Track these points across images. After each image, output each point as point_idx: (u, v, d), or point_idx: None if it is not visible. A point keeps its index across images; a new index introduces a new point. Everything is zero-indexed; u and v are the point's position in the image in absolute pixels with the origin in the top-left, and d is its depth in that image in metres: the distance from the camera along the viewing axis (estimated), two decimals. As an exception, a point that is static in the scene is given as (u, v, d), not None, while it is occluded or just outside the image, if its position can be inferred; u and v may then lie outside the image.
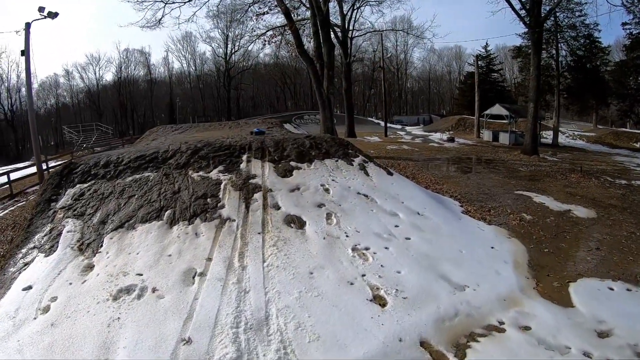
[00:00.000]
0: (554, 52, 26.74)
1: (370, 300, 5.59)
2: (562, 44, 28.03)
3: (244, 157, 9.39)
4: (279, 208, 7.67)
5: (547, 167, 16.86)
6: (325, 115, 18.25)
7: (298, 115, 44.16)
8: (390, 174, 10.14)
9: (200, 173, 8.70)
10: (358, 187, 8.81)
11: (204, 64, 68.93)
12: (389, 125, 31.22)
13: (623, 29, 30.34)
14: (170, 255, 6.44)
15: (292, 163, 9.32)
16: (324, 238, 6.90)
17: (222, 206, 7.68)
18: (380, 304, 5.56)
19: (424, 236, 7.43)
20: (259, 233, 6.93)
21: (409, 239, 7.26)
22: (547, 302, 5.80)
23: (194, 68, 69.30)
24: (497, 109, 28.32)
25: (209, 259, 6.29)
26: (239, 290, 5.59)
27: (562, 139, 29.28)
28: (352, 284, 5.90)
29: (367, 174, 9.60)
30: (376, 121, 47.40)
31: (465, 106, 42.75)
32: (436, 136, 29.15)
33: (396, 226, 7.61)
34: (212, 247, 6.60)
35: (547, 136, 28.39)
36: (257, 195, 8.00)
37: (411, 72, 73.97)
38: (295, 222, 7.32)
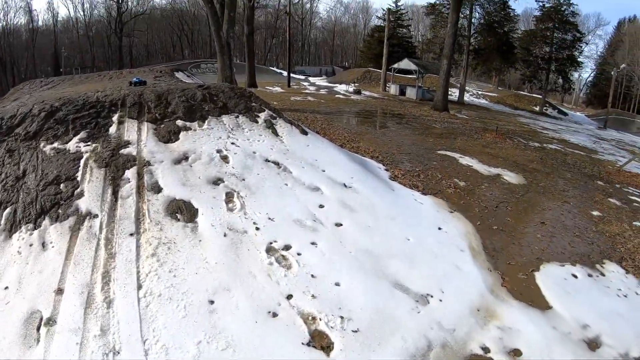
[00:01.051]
0: (467, 12, 26.35)
1: (308, 344, 3.74)
2: (476, 6, 27.82)
3: (115, 118, 6.49)
4: (159, 190, 5.34)
5: (459, 124, 16.71)
6: (223, 62, 15.07)
7: (195, 64, 37.65)
8: (305, 132, 8.18)
9: (56, 144, 5.77)
10: (266, 151, 6.77)
11: (94, 9, 57.66)
12: (292, 75, 28.53)
13: (536, 0, 31.51)
14: (6, 289, 4.09)
15: (179, 122, 6.75)
16: (225, 235, 4.88)
17: (81, 194, 5.10)
18: (323, 348, 3.74)
19: (359, 219, 5.80)
20: (131, 234, 4.67)
21: (341, 225, 5.57)
22: (523, 306, 4.83)
23: (82, 13, 57.64)
24: (406, 64, 27.46)
25: (60, 291, 4.03)
26: (105, 350, 3.45)
27: (466, 97, 29.99)
28: (275, 315, 4.02)
29: (276, 133, 7.56)
30: (278, 71, 43.31)
31: (371, 59, 42.28)
32: (342, 88, 27.65)
33: (321, 206, 5.84)
34: (65, 268, 4.31)
35: (453, 94, 28.74)
36: (130, 173, 5.50)
37: (316, 22, 70.21)
38: (183, 210, 5.13)
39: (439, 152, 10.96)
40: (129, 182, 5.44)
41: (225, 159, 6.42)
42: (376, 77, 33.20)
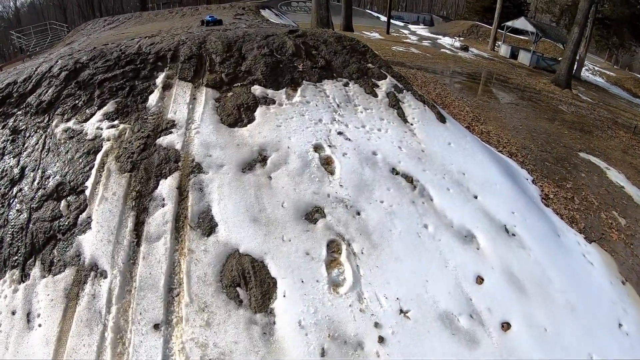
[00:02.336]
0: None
1: None
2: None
3: (160, 79, 3.70)
4: (212, 228, 2.65)
5: (587, 110, 11.92)
6: (319, 0, 12.01)
7: (285, 1, 33.44)
8: (443, 119, 4.55)
9: (71, 123, 3.35)
10: (392, 152, 3.62)
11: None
12: (390, 21, 22.80)
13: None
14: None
15: (257, 89, 3.74)
16: (324, 353, 2.22)
17: (87, 224, 2.68)
18: None
19: (532, 314, 2.86)
20: (156, 327, 2.23)
21: (508, 326, 2.67)
22: None
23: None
24: (522, 23, 20.33)
25: None
26: None
27: (582, 73, 22.24)
28: None
29: (403, 117, 4.17)
30: (375, 14, 35.78)
31: (478, 12, 34.24)
32: (446, 41, 21.49)
33: (479, 280, 2.89)
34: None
35: (569, 65, 21.96)
36: (167, 186, 2.85)
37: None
38: (251, 281, 2.45)
39: (580, 154, 7.23)
40: (162, 205, 2.70)
41: (328, 164, 3.26)
42: (484, 34, 25.95)
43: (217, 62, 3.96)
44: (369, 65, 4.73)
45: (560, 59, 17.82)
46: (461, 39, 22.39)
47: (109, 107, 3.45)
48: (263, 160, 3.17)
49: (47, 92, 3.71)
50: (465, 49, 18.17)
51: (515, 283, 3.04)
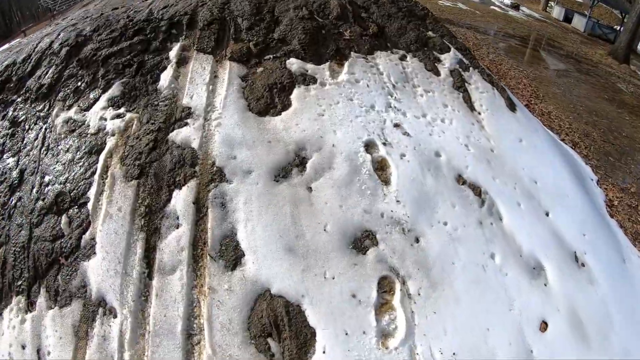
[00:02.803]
0: None
1: None
2: None
3: (174, 52, 2.84)
4: (238, 259, 1.99)
5: None
6: None
7: None
8: (512, 106, 3.53)
9: (72, 112, 2.68)
10: (459, 153, 2.77)
11: None
12: None
13: None
14: None
15: (294, 64, 2.82)
16: None
17: (91, 248, 2.12)
18: None
19: None
20: None
21: None
22: None
23: None
24: None
25: None
26: None
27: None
28: None
29: (470, 104, 3.21)
30: None
31: None
32: None
33: (543, 325, 2.24)
34: None
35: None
36: (181, 200, 2.18)
37: None
38: (285, 331, 1.86)
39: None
40: (177, 226, 2.07)
41: (382, 169, 2.45)
42: None
43: (244, 28, 3.04)
44: (430, 33, 3.65)
45: (617, 27, 15.12)
46: None
47: (115, 89, 2.74)
48: (301, 163, 2.42)
49: (47, 73, 3.03)
50: (516, 7, 15.56)
51: (579, 329, 2.32)
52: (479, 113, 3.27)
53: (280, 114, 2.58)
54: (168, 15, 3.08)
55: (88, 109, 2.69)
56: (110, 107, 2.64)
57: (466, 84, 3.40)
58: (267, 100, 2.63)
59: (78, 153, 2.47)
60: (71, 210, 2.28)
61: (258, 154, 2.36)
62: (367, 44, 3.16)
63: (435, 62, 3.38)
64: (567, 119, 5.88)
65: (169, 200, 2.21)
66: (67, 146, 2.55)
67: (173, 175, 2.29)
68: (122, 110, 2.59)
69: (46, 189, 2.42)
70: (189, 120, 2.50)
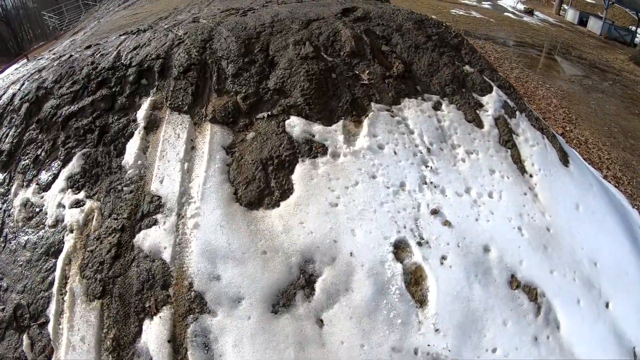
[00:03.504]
0: None
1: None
2: None
3: (142, 112, 2.07)
4: None
5: None
6: None
7: None
8: (566, 159, 2.66)
9: (30, 192, 2.02)
10: (511, 242, 2.00)
11: None
12: None
13: None
14: None
15: (294, 125, 2.03)
16: None
17: None
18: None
19: None
20: None
21: None
22: None
23: None
24: None
25: None
26: None
27: None
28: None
29: (520, 163, 2.41)
30: None
31: None
32: (506, 2, 16.39)
33: None
34: None
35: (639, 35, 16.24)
36: (153, 338, 1.51)
37: None
38: None
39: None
40: None
41: (417, 283, 1.69)
42: None
43: (230, 75, 2.17)
44: (466, 68, 2.84)
45: (632, 28, 13.92)
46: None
47: (75, 164, 1.98)
48: (308, 283, 1.67)
49: (7, 135, 2.30)
50: (529, 12, 14.35)
51: None
52: (531, 175, 2.49)
53: (279, 205, 1.83)
54: (137, 60, 2.31)
55: (47, 188, 1.97)
56: (70, 190, 1.91)
57: (514, 136, 2.60)
58: (260, 184, 1.89)
59: (35, 252, 1.77)
60: (31, 330, 1.62)
61: (249, 273, 1.64)
62: (391, 89, 2.38)
63: (477, 109, 2.59)
64: (604, 146, 5.05)
65: (139, 333, 1.52)
66: (24, 241, 1.86)
67: (141, 298, 1.59)
68: (81, 195, 1.86)
69: (5, 295, 1.76)
70: (158, 217, 1.77)
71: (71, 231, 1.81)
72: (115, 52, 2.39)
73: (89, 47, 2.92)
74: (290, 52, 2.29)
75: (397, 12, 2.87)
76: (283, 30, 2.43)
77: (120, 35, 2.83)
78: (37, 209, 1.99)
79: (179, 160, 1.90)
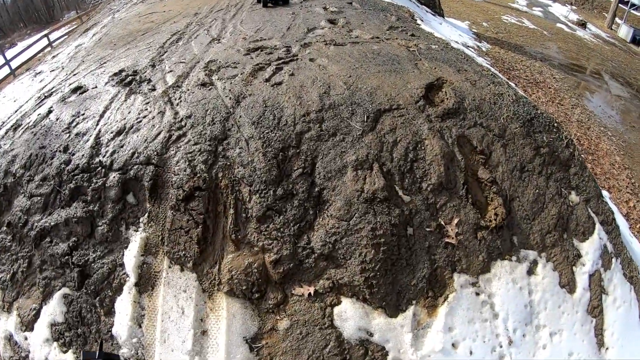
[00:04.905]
0: None
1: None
2: None
3: (131, 255, 1.34)
4: None
5: None
6: None
7: None
8: None
9: (12, 324, 1.49)
10: None
11: None
12: None
13: None
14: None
15: (347, 318, 1.32)
16: None
17: None
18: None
19: None
20: None
21: None
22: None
23: None
24: None
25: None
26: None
27: None
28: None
29: (600, 336, 1.80)
30: None
31: None
32: (558, 10, 13.70)
33: None
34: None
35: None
36: None
37: None
38: None
39: None
40: None
41: None
42: (599, 4, 18.33)
43: (254, 215, 1.34)
44: (572, 197, 1.98)
45: None
46: (573, 7, 15.51)
47: (56, 308, 1.32)
48: None
49: None
50: (582, 25, 12.24)
51: None
52: (607, 348, 1.88)
53: None
54: (120, 161, 1.44)
55: (29, 326, 1.35)
56: (55, 344, 1.31)
57: (604, 297, 1.90)
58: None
59: None
60: None
61: None
62: (483, 249, 1.59)
63: (574, 264, 1.84)
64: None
65: None
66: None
67: None
68: (69, 358, 1.25)
69: None
70: None
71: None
72: (92, 139, 1.54)
73: (76, 90, 2.06)
74: (348, 183, 1.47)
75: (500, 100, 1.94)
76: (338, 131, 1.57)
77: (112, 79, 1.97)
78: (23, 354, 1.40)
79: (186, 353, 1.22)
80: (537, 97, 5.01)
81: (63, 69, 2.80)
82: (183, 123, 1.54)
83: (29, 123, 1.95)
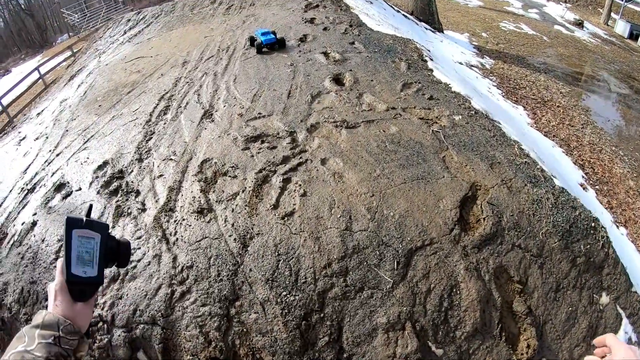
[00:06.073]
0: None
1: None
2: None
3: None
4: None
5: None
6: None
7: None
8: None
9: None
10: None
11: None
12: None
13: None
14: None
15: None
16: None
17: None
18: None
19: None
20: None
21: None
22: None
23: None
24: None
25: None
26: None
27: None
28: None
29: None
30: None
31: None
32: (553, 10, 13.29)
33: None
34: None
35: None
36: None
37: None
38: None
39: None
40: None
41: None
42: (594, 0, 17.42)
43: None
44: (603, 298, 1.67)
45: None
46: (568, 5, 14.76)
47: None
48: None
49: None
50: (580, 24, 11.63)
51: None
52: None
53: None
54: (123, 318, 1.14)
55: None
56: None
57: None
58: None
59: None
60: None
61: None
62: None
63: None
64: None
65: None
66: None
67: None
68: None
69: None
70: None
71: None
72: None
73: (60, 188, 1.80)
74: (379, 349, 1.17)
75: (539, 209, 1.67)
76: (365, 285, 1.29)
77: (97, 177, 1.70)
78: None
79: None
80: (548, 119, 4.72)
81: (47, 138, 2.53)
82: (185, 275, 1.29)
83: (14, 235, 1.72)
